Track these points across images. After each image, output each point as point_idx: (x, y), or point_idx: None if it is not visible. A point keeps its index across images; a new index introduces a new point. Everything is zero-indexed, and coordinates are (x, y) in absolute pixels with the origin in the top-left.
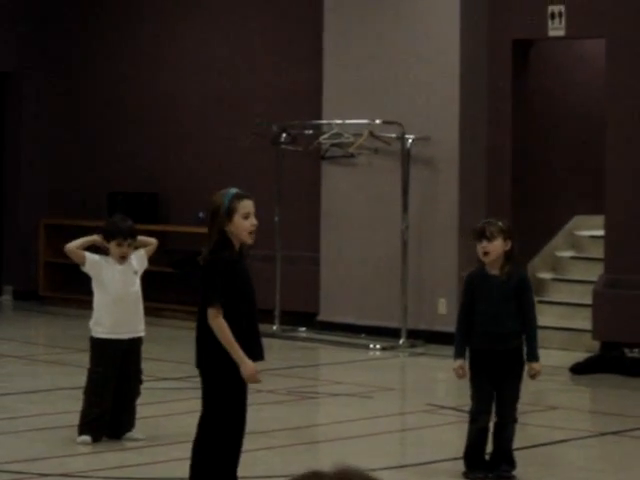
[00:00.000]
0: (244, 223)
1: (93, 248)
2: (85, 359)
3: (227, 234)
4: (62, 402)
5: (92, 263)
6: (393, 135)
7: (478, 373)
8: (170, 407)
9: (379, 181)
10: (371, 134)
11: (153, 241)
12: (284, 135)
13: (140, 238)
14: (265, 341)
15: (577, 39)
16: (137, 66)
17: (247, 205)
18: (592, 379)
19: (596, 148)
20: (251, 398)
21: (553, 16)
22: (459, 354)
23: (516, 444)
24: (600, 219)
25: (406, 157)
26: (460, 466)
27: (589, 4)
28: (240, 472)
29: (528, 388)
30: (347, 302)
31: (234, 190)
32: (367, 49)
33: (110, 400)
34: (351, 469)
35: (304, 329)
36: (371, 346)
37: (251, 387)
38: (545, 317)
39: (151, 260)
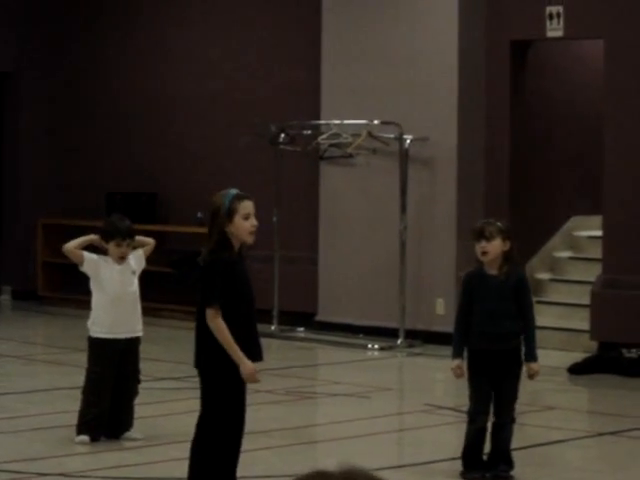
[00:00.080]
0: (244, 224)
1: (91, 248)
2: (83, 359)
3: (227, 235)
4: (60, 402)
5: (90, 263)
6: (391, 135)
7: (476, 373)
8: (168, 407)
9: (377, 181)
10: (369, 134)
11: (151, 241)
12: (282, 135)
13: (138, 238)
14: (263, 341)
15: (575, 40)
16: (136, 66)
17: (247, 206)
18: (590, 379)
19: (594, 148)
20: (249, 398)
21: (551, 17)
22: (457, 354)
23: (514, 444)
24: (598, 219)
25: (404, 157)
26: (458, 466)
27: (587, 5)
28: (239, 472)
29: (526, 388)
30: (345, 302)
31: (234, 191)
32: (365, 49)
33: (108, 400)
34: (356, 469)
35: (302, 329)
36: (369, 346)
37: (250, 387)
38: (543, 317)
39: (149, 260)
